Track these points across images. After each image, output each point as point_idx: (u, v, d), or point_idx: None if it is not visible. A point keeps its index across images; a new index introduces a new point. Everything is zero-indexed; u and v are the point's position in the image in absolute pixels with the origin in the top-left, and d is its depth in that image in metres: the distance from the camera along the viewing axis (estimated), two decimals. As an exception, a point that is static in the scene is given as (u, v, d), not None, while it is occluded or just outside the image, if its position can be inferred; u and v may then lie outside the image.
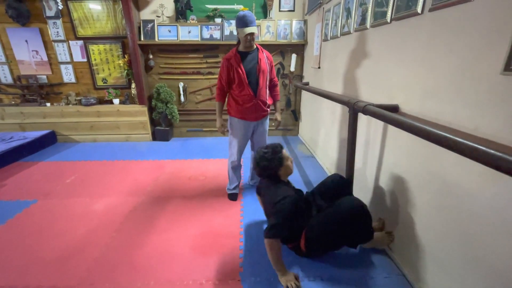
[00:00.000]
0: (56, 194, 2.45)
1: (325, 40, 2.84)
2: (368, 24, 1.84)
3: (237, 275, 1.50)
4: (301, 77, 3.98)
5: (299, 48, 3.87)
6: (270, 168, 1.59)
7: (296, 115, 4.19)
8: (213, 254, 1.67)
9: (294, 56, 3.85)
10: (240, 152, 2.25)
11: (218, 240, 1.79)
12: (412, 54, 1.40)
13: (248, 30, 1.91)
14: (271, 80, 2.21)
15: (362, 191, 2.02)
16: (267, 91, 2.18)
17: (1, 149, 3.12)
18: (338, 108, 2.52)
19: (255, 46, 2.07)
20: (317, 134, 3.29)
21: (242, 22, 1.90)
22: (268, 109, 2.22)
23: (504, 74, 0.90)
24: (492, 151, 0.75)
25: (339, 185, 1.72)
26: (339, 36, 2.41)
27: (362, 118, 1.91)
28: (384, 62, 1.68)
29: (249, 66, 2.04)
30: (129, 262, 1.60)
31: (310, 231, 1.51)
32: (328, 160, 2.89)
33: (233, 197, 2.31)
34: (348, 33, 2.20)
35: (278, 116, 2.33)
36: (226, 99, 2.21)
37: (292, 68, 3.91)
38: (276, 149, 1.60)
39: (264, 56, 2.09)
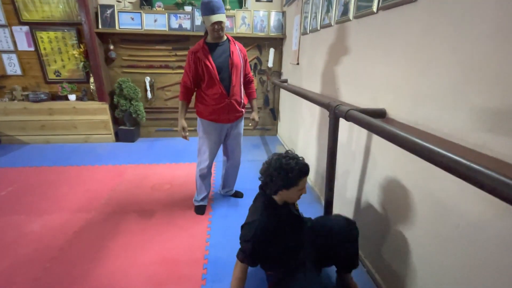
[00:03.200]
0: (-16, 211, 2.02)
1: (304, 33, 2.60)
2: (351, 15, 1.61)
3: (196, 316, 1.23)
4: (279, 73, 3.74)
5: (278, 42, 3.61)
6: (272, 181, 1.16)
7: (274, 114, 3.95)
8: (171, 287, 1.38)
9: (272, 50, 3.59)
10: (211, 158, 1.96)
11: (178, 268, 1.51)
12: (402, 50, 1.18)
13: (215, 18, 1.61)
14: (245, 76, 1.94)
15: (344, 206, 1.82)
16: (242, 89, 1.91)
17: None
18: (317, 109, 2.30)
19: (225, 37, 1.78)
20: (296, 136, 3.07)
21: (208, 8, 1.60)
22: (243, 110, 1.95)
23: (526, 78, 0.70)
24: (496, 175, 0.54)
25: (343, 234, 1.28)
26: (319, 29, 2.18)
27: (343, 121, 1.70)
28: (369, 58, 1.46)
29: (219, 60, 1.75)
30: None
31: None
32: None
33: (200, 210, 2.03)
34: (329, 25, 1.96)
35: (255, 115, 2.06)
36: (194, 98, 1.90)
37: (270, 64, 3.65)
38: (303, 168, 1.15)
39: (237, 49, 1.81)
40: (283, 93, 3.68)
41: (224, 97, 1.78)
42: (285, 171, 1.13)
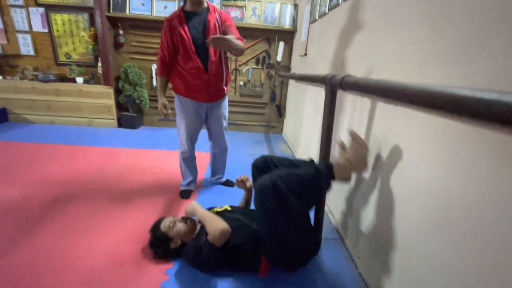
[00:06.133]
0: (-30, 177, 1.99)
1: (313, 21, 2.47)
2: (359, -15, 1.46)
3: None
4: (288, 68, 3.60)
5: (288, 36, 3.49)
6: (162, 250, 1.29)
7: (280, 111, 3.79)
8: (133, 266, 1.24)
9: (281, 44, 3.47)
10: (191, 139, 1.81)
11: (144, 248, 1.36)
12: (409, 19, 1.02)
13: None
14: None
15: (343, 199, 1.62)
16: (224, 64, 1.70)
17: None
18: (321, 98, 2.12)
19: (205, 4, 1.62)
20: (299, 132, 2.89)
21: None
22: (226, 88, 1.79)
23: None
24: None
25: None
26: (327, 12, 2.04)
27: (347, 102, 1.53)
28: (376, 35, 1.29)
29: (195, 30, 1.57)
30: (13, 273, 1.16)
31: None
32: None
33: (184, 194, 1.89)
34: (337, 5, 1.82)
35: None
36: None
37: (279, 58, 3.53)
38: (152, 233, 1.31)
39: (215, 17, 1.59)
40: (291, 89, 3.54)
41: (201, 73, 1.61)
42: (154, 238, 1.28)
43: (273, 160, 1.27)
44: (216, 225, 1.15)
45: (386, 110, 1.16)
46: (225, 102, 1.84)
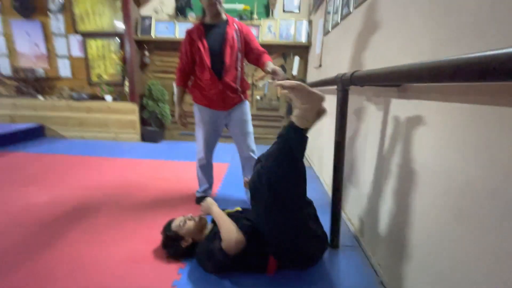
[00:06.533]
0: (5, 183, 2.16)
1: (327, 33, 2.53)
2: (368, -9, 1.50)
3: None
4: (303, 81, 3.64)
5: (303, 51, 3.58)
6: (174, 250, 1.29)
7: (297, 124, 3.79)
8: (146, 265, 1.25)
9: (297, 58, 3.56)
10: (208, 147, 1.84)
11: (157, 249, 1.38)
12: (420, 20, 1.02)
13: None
14: (251, 52, 1.73)
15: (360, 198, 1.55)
16: (239, 73, 1.74)
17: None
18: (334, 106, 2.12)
19: (224, 17, 1.69)
20: (315, 141, 2.86)
21: None
22: (242, 95, 1.81)
23: None
24: None
25: None
26: (339, 22, 2.09)
27: (365, 109, 1.51)
28: (388, 37, 1.30)
29: (213, 42, 1.63)
30: (32, 268, 1.22)
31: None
32: (325, 171, 2.44)
33: (200, 200, 1.89)
34: (348, 14, 1.86)
35: (271, 68, 1.57)
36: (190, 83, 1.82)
37: (295, 72, 3.61)
38: (164, 233, 1.32)
39: (233, 29, 1.66)
40: (307, 102, 3.55)
41: (215, 82, 1.65)
42: (166, 239, 1.30)
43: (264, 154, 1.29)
44: (231, 235, 1.13)
45: (399, 109, 1.14)
46: (244, 107, 1.84)
